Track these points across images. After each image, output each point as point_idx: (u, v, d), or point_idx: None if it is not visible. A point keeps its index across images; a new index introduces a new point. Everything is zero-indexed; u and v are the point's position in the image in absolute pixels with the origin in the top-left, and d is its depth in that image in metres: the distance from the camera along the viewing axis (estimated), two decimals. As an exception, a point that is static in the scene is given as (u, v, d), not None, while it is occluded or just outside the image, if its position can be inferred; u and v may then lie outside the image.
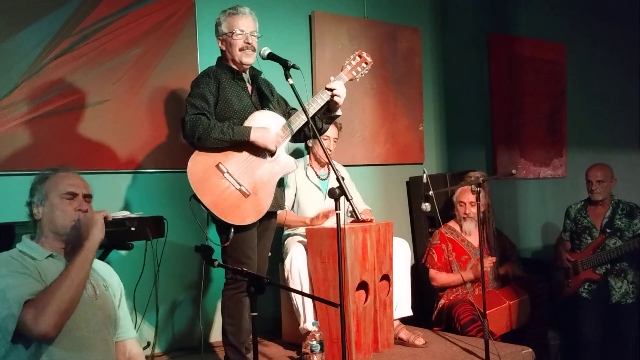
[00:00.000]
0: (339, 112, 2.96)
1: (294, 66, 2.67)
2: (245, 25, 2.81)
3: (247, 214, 2.73)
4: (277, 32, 3.86)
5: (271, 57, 2.75)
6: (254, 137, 2.72)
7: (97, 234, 1.91)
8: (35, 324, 1.70)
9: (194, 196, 2.67)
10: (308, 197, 3.58)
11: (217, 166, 2.73)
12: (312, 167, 3.66)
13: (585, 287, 4.01)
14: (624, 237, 3.94)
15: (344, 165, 4.01)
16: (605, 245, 3.96)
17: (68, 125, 3.17)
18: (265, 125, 2.79)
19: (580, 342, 4.01)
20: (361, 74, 2.99)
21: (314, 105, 2.83)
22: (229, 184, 2.72)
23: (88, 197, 2.02)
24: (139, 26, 3.39)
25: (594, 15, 5.38)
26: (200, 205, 2.67)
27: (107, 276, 2.13)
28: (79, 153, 3.19)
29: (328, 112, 2.92)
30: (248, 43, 2.80)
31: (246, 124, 2.78)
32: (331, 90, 2.82)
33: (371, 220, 3.41)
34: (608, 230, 3.97)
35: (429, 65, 4.95)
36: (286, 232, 3.57)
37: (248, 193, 2.73)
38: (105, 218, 1.95)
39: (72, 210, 1.96)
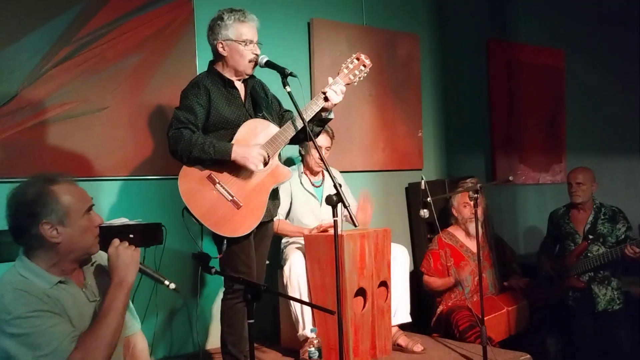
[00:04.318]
0: (331, 115, 2.88)
1: (291, 74, 2.63)
2: (253, 34, 2.76)
3: (239, 226, 2.68)
4: (275, 39, 3.87)
5: (269, 65, 2.72)
6: (235, 156, 2.63)
7: (134, 275, 1.84)
8: None
9: (186, 208, 2.65)
10: (303, 205, 3.58)
11: (209, 177, 2.68)
12: (305, 175, 3.66)
13: (570, 294, 3.99)
14: (607, 243, 3.92)
15: (343, 172, 4.01)
16: (588, 252, 3.94)
17: (67, 133, 3.17)
18: (255, 134, 2.73)
19: (575, 349, 4.01)
20: (359, 77, 2.86)
21: (309, 112, 2.75)
22: (221, 196, 2.67)
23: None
24: (138, 34, 3.40)
25: (593, 21, 5.41)
26: (192, 217, 2.65)
27: None
28: (78, 160, 3.20)
29: (319, 114, 2.81)
30: (257, 54, 2.75)
31: (237, 133, 2.73)
32: (324, 93, 2.75)
33: (367, 209, 3.42)
34: (590, 237, 3.95)
35: (427, 72, 4.96)
36: (284, 239, 3.57)
37: (240, 204, 2.69)
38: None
39: (93, 227, 1.84)
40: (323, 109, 2.80)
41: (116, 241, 1.86)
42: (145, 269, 1.91)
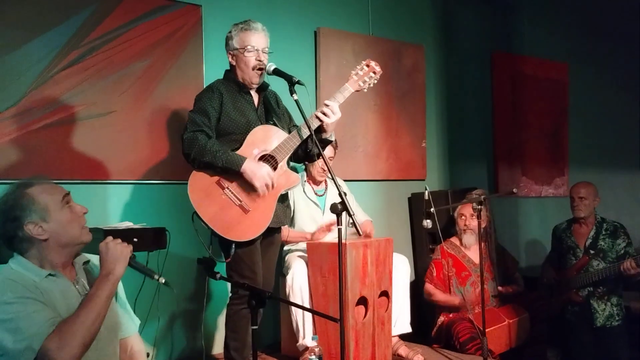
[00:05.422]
0: (331, 137, 2.88)
1: (299, 82, 2.67)
2: (257, 41, 2.78)
3: (246, 230, 2.70)
4: (282, 48, 3.88)
5: (276, 72, 2.75)
6: (244, 169, 2.65)
7: (122, 269, 1.86)
8: (60, 354, 1.68)
9: (196, 212, 2.67)
10: (306, 213, 3.58)
11: (218, 182, 2.71)
12: (309, 184, 3.67)
13: (569, 308, 3.99)
14: (607, 258, 3.92)
15: (346, 180, 4.02)
16: (588, 266, 3.94)
17: (74, 135, 3.19)
18: (265, 139, 2.76)
19: None
20: (369, 84, 2.89)
21: (304, 130, 2.76)
22: (229, 200, 2.70)
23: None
24: (146, 39, 3.43)
25: (596, 35, 5.44)
26: (201, 221, 2.67)
27: None
28: (85, 163, 3.22)
29: (319, 134, 2.81)
30: (260, 61, 2.77)
31: (247, 137, 2.77)
32: (326, 106, 2.76)
33: (370, 235, 3.41)
34: (591, 252, 3.95)
35: (432, 83, 4.99)
36: (286, 247, 3.58)
37: (248, 209, 2.71)
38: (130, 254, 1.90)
39: (77, 217, 1.90)
40: (322, 130, 2.81)
41: (109, 237, 1.91)
42: (135, 264, 1.94)
